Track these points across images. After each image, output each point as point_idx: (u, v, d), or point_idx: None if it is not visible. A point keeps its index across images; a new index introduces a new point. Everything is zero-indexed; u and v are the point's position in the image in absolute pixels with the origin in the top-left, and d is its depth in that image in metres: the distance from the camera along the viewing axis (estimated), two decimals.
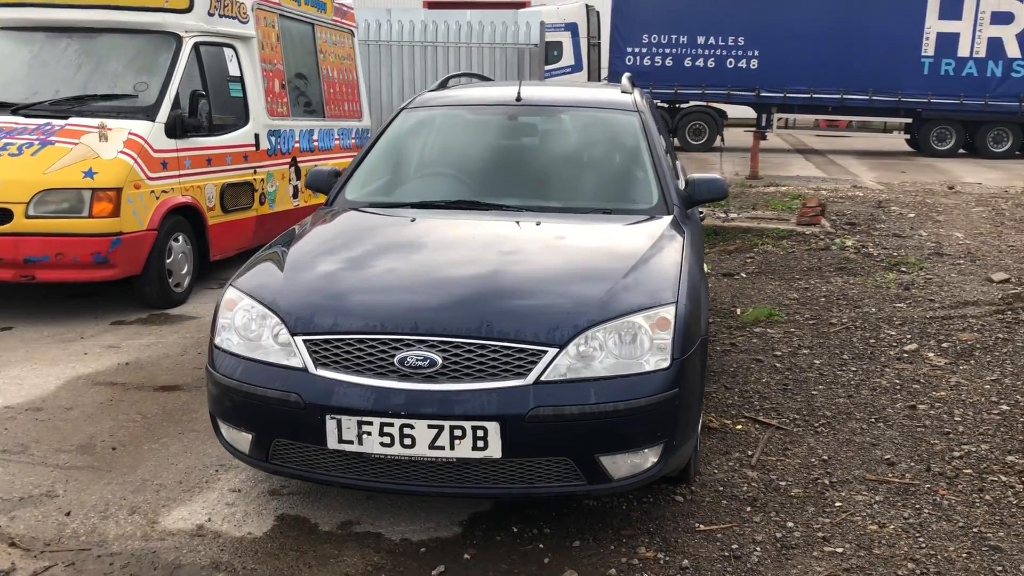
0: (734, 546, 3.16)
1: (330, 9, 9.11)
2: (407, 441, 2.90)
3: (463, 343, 2.96)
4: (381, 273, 3.39)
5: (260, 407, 3.08)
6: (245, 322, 3.23)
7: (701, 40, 23.67)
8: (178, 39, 6.65)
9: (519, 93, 4.73)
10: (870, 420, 4.24)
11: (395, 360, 2.96)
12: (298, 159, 8.20)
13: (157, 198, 6.24)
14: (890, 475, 3.65)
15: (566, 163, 4.47)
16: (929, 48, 23.20)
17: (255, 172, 7.48)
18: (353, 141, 9.50)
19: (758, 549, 3.13)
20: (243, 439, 3.19)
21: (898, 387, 4.65)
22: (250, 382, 3.09)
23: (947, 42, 23.10)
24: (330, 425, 2.94)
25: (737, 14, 23.06)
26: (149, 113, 6.33)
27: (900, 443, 3.97)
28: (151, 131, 6.24)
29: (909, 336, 5.52)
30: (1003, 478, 3.58)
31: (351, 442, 2.94)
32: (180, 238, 6.53)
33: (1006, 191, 13.43)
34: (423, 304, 3.13)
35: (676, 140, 22.40)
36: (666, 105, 22.91)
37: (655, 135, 4.50)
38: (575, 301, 3.12)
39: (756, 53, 23.36)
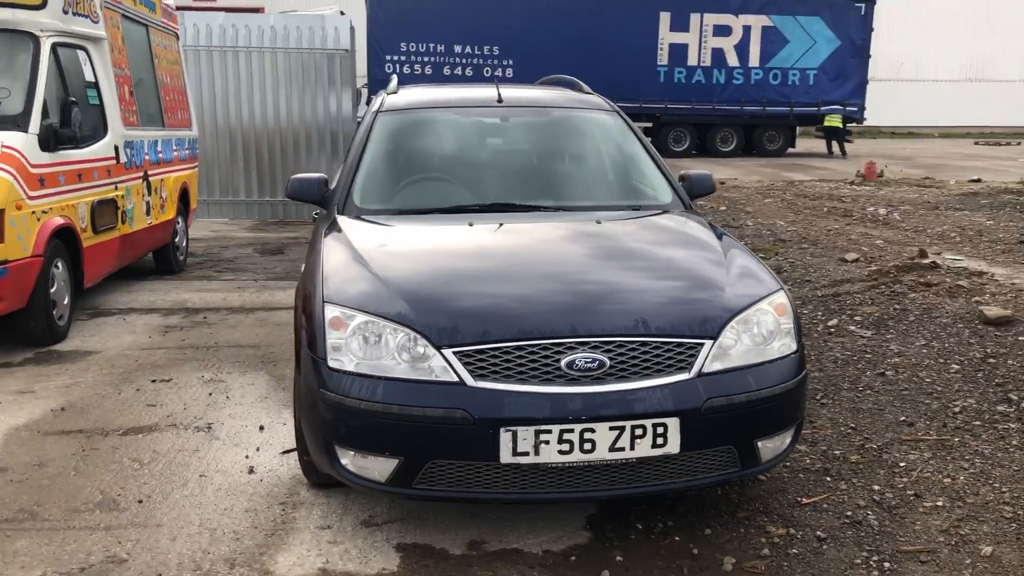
0: (848, 513, 3.36)
1: (159, 9, 8.38)
2: (587, 446, 2.83)
3: (626, 342, 2.93)
4: (495, 279, 3.26)
5: (413, 429, 2.86)
6: (367, 339, 2.98)
7: (458, 49, 24.20)
8: (35, 39, 5.85)
9: (499, 94, 4.69)
10: (858, 389, 4.64)
11: (562, 364, 2.87)
12: (149, 173, 7.49)
13: (38, 220, 5.48)
14: (920, 435, 4.04)
15: (575, 162, 4.49)
16: (664, 58, 25.25)
17: (116, 188, 6.74)
18: (187, 152, 8.81)
19: (869, 513, 3.36)
20: (382, 466, 2.95)
21: (854, 359, 5.12)
22: (399, 403, 2.86)
23: (678, 52, 25.25)
24: (504, 438, 2.80)
25: (491, 24, 23.80)
26: (19, 123, 5.53)
27: (900, 406, 4.38)
28: (26, 143, 5.46)
29: (821, 314, 6.07)
30: (1011, 425, 4.08)
31: (526, 453, 2.82)
32: (59, 264, 5.76)
33: (771, 185, 14.94)
34: (568, 306, 3.05)
35: None
36: None
37: (641, 134, 4.64)
38: (708, 293, 3.18)
39: (511, 62, 24.25)
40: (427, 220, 3.92)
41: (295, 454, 3.78)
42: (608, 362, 2.89)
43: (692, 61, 25.56)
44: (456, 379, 2.87)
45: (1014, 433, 4.00)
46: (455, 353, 2.89)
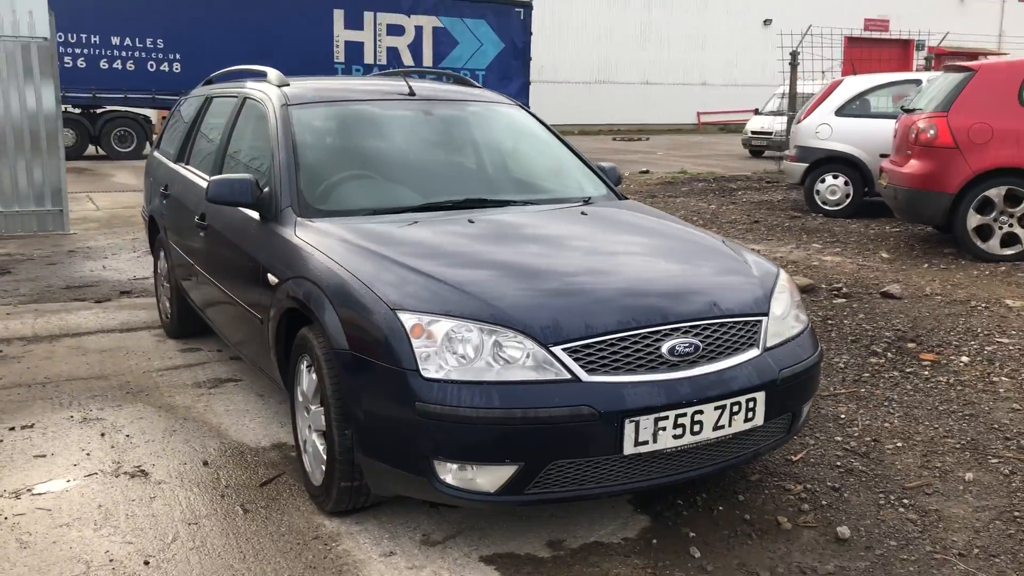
0: (837, 464, 3.76)
1: None
2: (696, 428, 2.92)
3: (708, 324, 3.05)
4: (564, 274, 3.19)
5: (535, 431, 2.76)
6: (463, 344, 2.82)
7: (116, 41, 22.20)
8: None
9: (409, 87, 4.54)
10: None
11: (663, 350, 2.93)
12: None
13: None
14: (833, 390, 4.58)
15: (512, 157, 4.46)
16: (340, 55, 25.08)
17: None
18: None
19: (853, 461, 3.78)
20: (493, 476, 2.81)
21: None
22: (520, 406, 2.74)
23: (354, 50, 25.21)
24: (628, 430, 2.81)
25: (152, 14, 22.16)
26: None
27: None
28: None
29: None
30: (893, 372, 4.74)
31: (646, 442, 2.85)
32: None
33: None
34: (651, 293, 3.10)
35: (101, 148, 21.10)
36: (79, 111, 21.19)
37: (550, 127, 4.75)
38: (745, 274, 3.39)
39: (178, 56, 22.72)
40: (410, 219, 3.70)
41: (275, 484, 3.44)
42: (700, 345, 2.99)
43: (368, 59, 25.58)
44: (570, 376, 2.81)
45: (899, 378, 4.67)
46: (564, 349, 2.83)
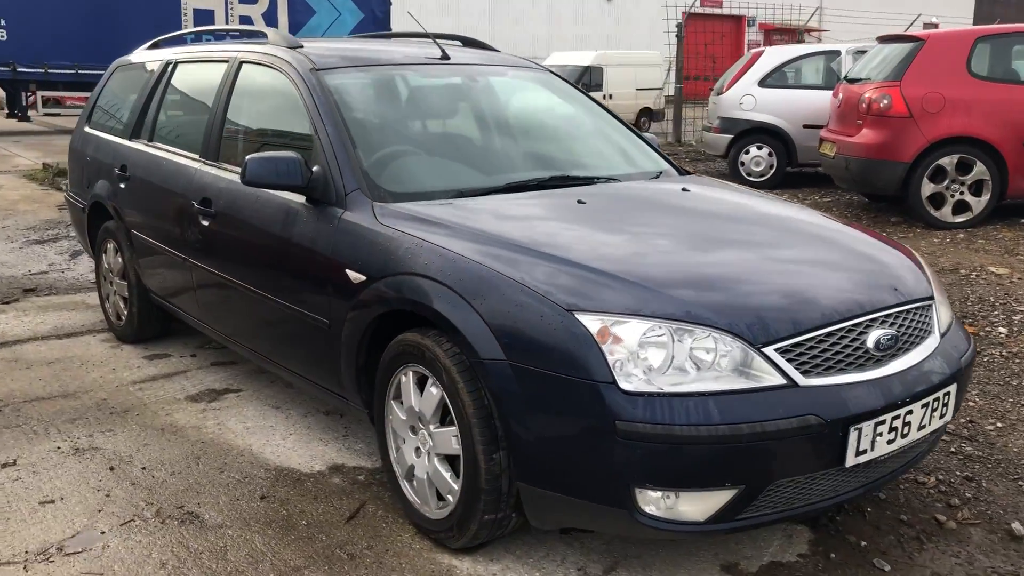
0: (951, 450, 3.56)
1: None
2: (905, 430, 2.61)
3: (898, 312, 2.74)
4: (739, 263, 2.77)
5: (758, 448, 2.36)
6: (654, 349, 2.38)
7: None
8: None
9: (441, 50, 3.99)
10: None
11: (868, 344, 2.59)
12: None
13: None
14: None
15: (569, 128, 3.99)
16: (189, 23, 23.41)
17: None
18: None
19: (966, 446, 3.59)
20: (706, 503, 2.40)
21: None
22: (743, 420, 2.33)
23: (204, 18, 23.56)
24: (852, 438, 2.46)
25: None
26: None
27: None
28: None
29: None
30: None
31: (865, 451, 2.51)
32: None
33: None
34: (841, 281, 2.74)
35: None
36: None
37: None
38: (893, 253, 3.09)
39: (3, 23, 20.57)
40: (511, 200, 3.20)
41: (362, 517, 2.91)
42: (897, 335, 2.67)
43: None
44: (786, 381, 2.42)
45: None
46: (776, 350, 2.44)
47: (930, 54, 7.47)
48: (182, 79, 4.58)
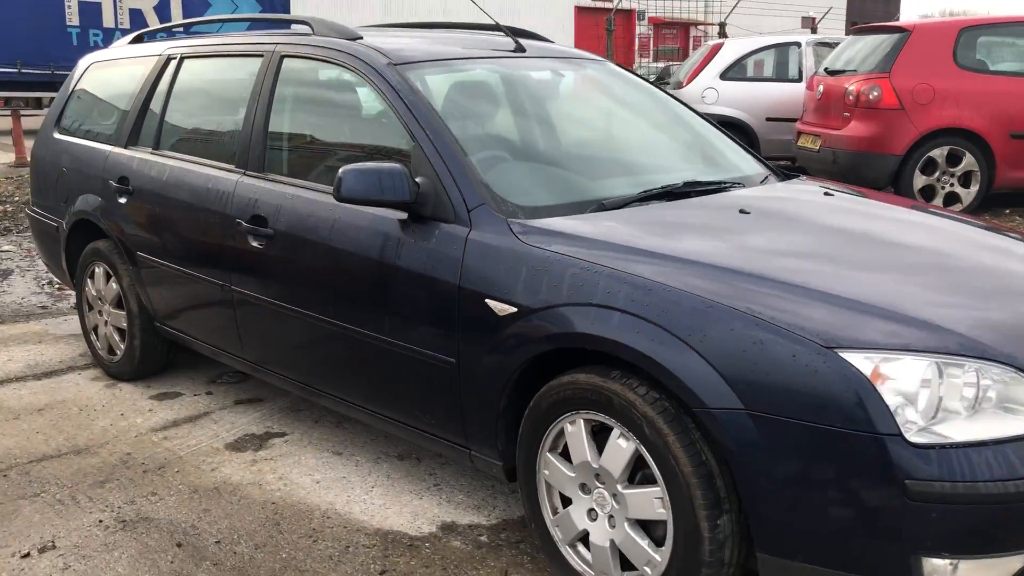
0: None
1: None
2: None
3: None
4: (976, 283, 2.43)
5: None
6: (936, 390, 2.01)
7: None
8: None
9: (516, 42, 3.54)
10: None
11: None
12: None
13: None
14: None
15: (666, 125, 3.57)
16: (74, 18, 21.84)
17: None
18: None
19: None
20: (989, 572, 2.05)
21: None
22: None
23: (91, 12, 22.06)
24: None
25: None
26: None
27: None
28: None
29: None
30: None
31: None
32: None
33: None
34: None
35: None
36: None
37: None
38: None
39: None
40: (665, 212, 2.78)
41: None
42: None
43: (108, 23, 22.47)
44: None
45: None
46: None
47: (917, 45, 7.39)
48: (193, 77, 3.97)
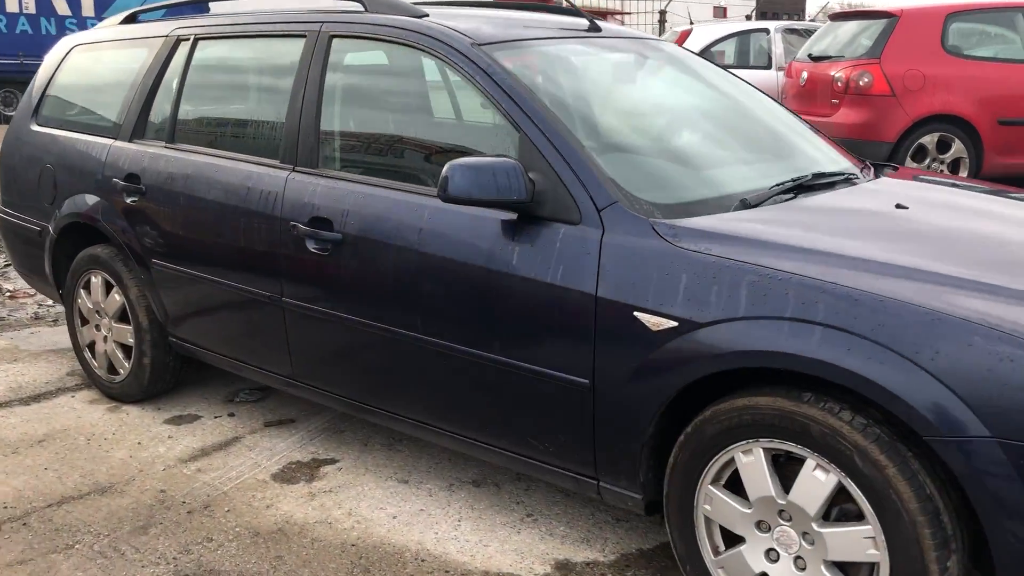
0: None
1: None
2: None
3: None
4: None
5: None
6: None
7: None
8: None
9: (589, 21, 3.22)
10: None
11: None
12: None
13: None
14: None
15: (752, 113, 3.27)
16: None
17: None
18: None
19: None
20: None
21: None
22: None
23: None
24: None
25: None
26: None
27: None
28: None
29: None
30: None
31: None
32: None
33: None
34: None
35: None
36: None
37: None
38: None
39: None
40: (818, 208, 2.50)
41: None
42: None
43: (12, 8, 21.29)
44: None
45: None
46: None
47: (906, 30, 7.30)
48: (213, 61, 3.52)
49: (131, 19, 4.02)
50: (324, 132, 3.00)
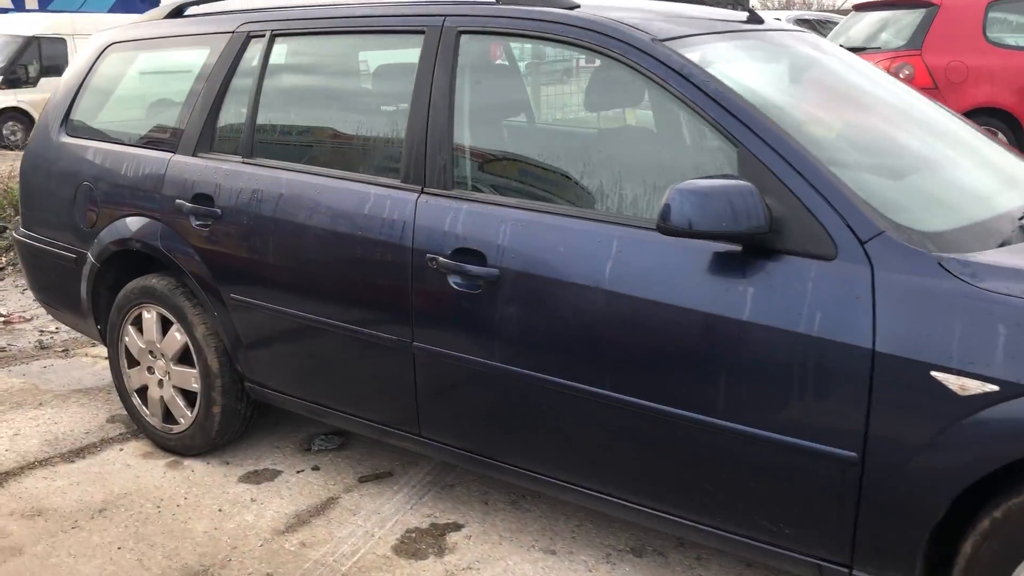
0: None
1: None
2: None
3: None
4: None
5: None
6: None
7: None
8: None
9: (748, 11, 2.80)
10: None
11: None
12: None
13: None
14: None
15: (920, 110, 2.87)
16: None
17: None
18: None
19: None
20: None
21: None
22: None
23: None
24: None
25: None
26: None
27: None
28: None
29: None
30: None
31: None
32: None
33: None
34: None
35: None
36: None
37: None
38: None
39: None
40: None
41: None
42: None
43: None
44: None
45: None
46: None
47: (947, 20, 7.01)
48: (297, 61, 3.02)
49: (177, 13, 3.48)
50: (458, 147, 2.53)
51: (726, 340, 2.03)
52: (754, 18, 2.76)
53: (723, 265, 2.05)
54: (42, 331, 5.08)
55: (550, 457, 2.43)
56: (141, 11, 23.86)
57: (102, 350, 4.55)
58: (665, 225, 1.96)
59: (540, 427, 2.40)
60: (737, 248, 2.04)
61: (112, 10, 23.36)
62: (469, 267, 2.38)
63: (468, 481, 3.09)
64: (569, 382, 2.27)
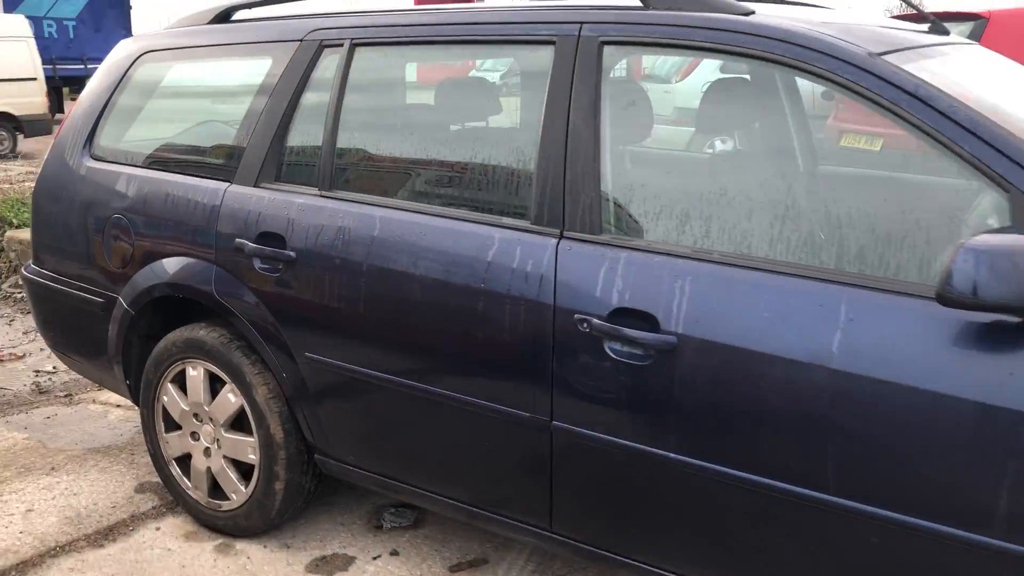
0: None
1: None
2: None
3: None
4: None
5: None
6: None
7: None
8: None
9: (934, 22, 2.39)
10: None
11: None
12: None
13: None
14: None
15: None
16: None
17: None
18: None
19: None
20: None
21: None
22: None
23: None
24: None
25: None
26: None
27: None
28: None
29: None
30: None
31: None
32: None
33: None
34: None
35: None
36: None
37: None
38: None
39: None
40: None
41: None
42: None
43: None
44: None
45: None
46: None
47: (996, 33, 6.66)
48: (386, 77, 2.54)
49: (223, 17, 2.98)
50: (603, 186, 2.07)
51: (1012, 438, 1.59)
52: (937, 28, 2.34)
53: (999, 341, 1.61)
54: (38, 371, 4.55)
55: (739, 569, 1.96)
56: (110, 16, 23.13)
57: (110, 396, 4.04)
58: (949, 295, 1.52)
59: (735, 534, 1.94)
60: (1014, 320, 1.60)
61: (80, 15, 22.73)
62: (636, 333, 1.92)
63: (574, 570, 2.63)
64: (776, 482, 1.82)
